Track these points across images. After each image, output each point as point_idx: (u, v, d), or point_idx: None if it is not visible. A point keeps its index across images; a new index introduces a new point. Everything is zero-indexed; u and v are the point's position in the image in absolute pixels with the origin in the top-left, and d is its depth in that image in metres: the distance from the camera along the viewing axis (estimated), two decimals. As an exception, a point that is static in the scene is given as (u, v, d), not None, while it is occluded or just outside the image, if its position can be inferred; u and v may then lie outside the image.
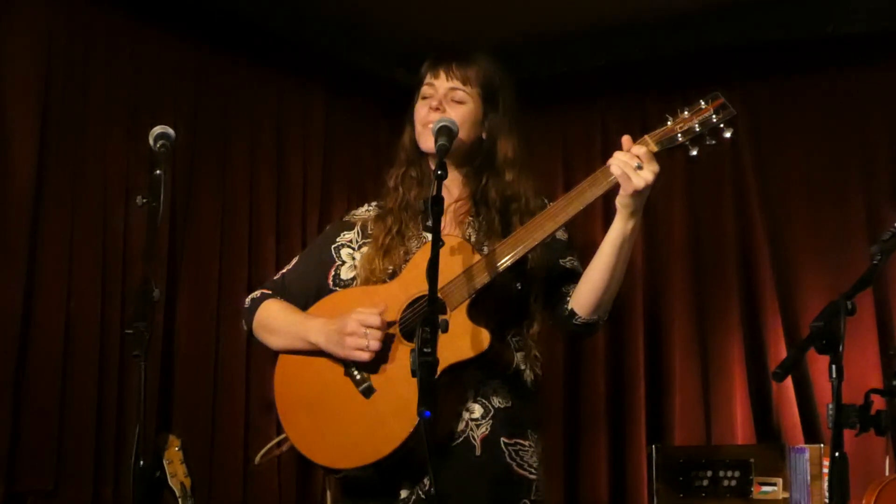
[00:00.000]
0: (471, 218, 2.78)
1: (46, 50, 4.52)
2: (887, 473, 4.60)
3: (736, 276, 5.63)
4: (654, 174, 2.49)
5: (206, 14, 5.13)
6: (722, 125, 2.52)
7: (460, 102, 2.75)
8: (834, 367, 2.21)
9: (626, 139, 2.54)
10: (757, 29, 5.46)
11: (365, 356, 2.60)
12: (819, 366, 5.19)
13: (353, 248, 2.84)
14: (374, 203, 2.91)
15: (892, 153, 5.40)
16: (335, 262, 2.84)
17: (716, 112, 2.52)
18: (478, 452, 2.63)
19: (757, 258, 5.61)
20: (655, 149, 2.53)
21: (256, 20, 5.34)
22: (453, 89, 2.75)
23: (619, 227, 2.57)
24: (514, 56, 5.58)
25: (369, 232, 2.84)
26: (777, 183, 5.63)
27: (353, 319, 2.60)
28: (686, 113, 2.54)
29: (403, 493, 2.63)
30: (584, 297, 2.66)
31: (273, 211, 5.47)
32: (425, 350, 2.22)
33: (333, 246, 2.86)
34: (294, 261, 2.94)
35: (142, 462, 2.43)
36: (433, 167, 2.74)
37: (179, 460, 4.08)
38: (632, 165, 2.48)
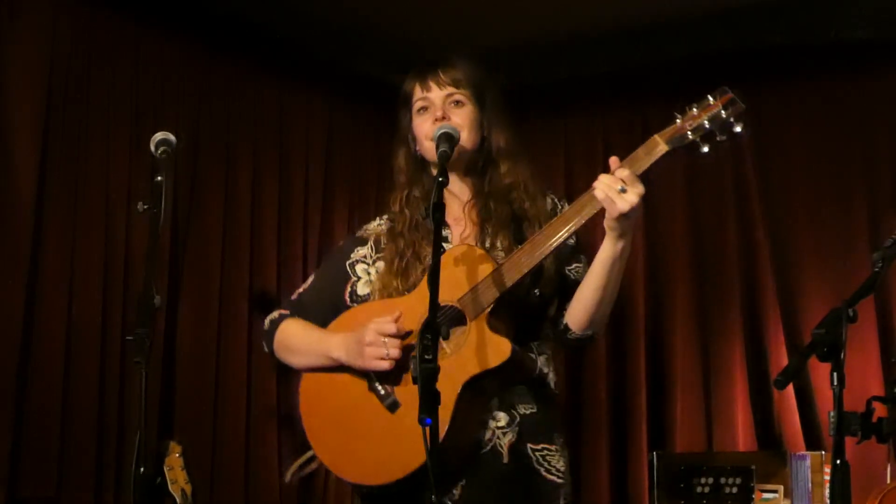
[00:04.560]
0: (482, 217, 2.76)
1: (49, 55, 4.53)
2: (889, 481, 4.59)
3: (738, 283, 5.62)
4: (638, 196, 2.45)
5: (208, 20, 5.13)
6: (732, 119, 2.47)
7: (460, 104, 2.75)
8: (835, 374, 2.20)
9: (613, 160, 2.51)
10: (759, 34, 5.46)
11: (385, 365, 2.59)
12: (820, 373, 5.20)
13: (368, 264, 2.83)
14: (385, 216, 2.89)
15: (894, 159, 5.40)
16: (351, 278, 2.82)
17: (725, 107, 2.46)
18: (505, 460, 2.61)
19: (759, 265, 5.60)
20: (666, 148, 2.49)
21: (259, 27, 5.35)
22: (449, 95, 2.75)
23: (609, 249, 2.55)
24: (516, 62, 5.59)
25: (382, 246, 2.83)
26: (779, 189, 5.62)
27: (371, 329, 2.59)
28: (695, 110, 2.49)
29: None
30: (576, 313, 2.67)
31: (275, 217, 5.47)
32: (426, 357, 2.21)
33: (348, 262, 2.85)
34: (310, 279, 2.92)
35: (143, 468, 2.43)
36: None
37: (180, 467, 4.08)
38: (615, 189, 2.44)
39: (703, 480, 4.94)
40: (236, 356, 5.10)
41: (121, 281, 4.66)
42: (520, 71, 5.64)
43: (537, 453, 2.65)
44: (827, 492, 4.67)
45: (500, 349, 2.52)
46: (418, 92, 2.77)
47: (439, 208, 2.37)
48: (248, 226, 5.32)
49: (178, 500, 3.97)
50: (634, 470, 5.66)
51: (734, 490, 4.88)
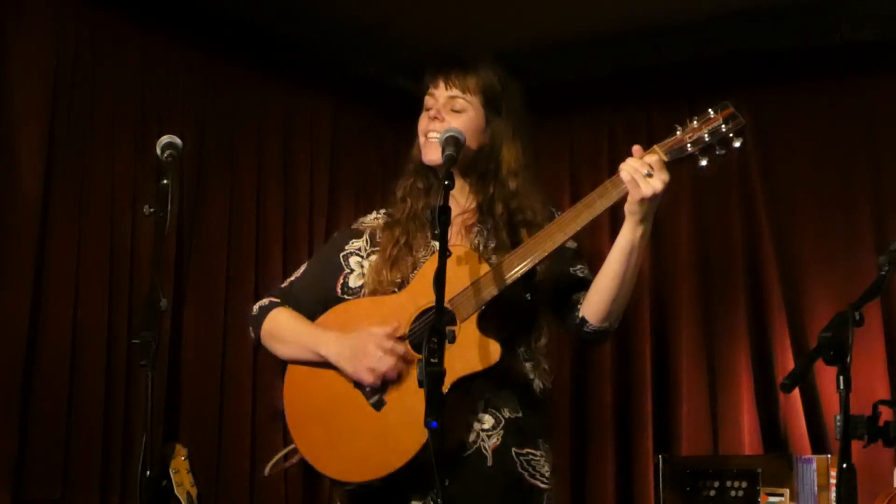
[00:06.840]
0: (477, 228, 2.77)
1: (54, 58, 4.53)
2: (895, 485, 4.59)
3: (743, 286, 5.61)
4: (663, 183, 2.48)
5: (213, 22, 5.14)
6: (731, 135, 2.51)
7: (459, 111, 2.74)
8: (842, 377, 2.20)
9: (636, 148, 2.53)
10: (765, 36, 5.45)
11: (372, 380, 2.60)
12: (827, 376, 5.18)
13: (362, 256, 2.84)
14: (382, 211, 2.91)
15: (899, 162, 5.40)
16: (343, 270, 2.83)
17: (725, 122, 2.51)
18: (489, 463, 2.62)
19: (764, 267, 5.59)
20: (665, 159, 2.52)
21: (264, 29, 5.35)
22: (452, 98, 2.74)
23: (628, 234, 2.56)
24: (520, 64, 5.56)
25: (378, 240, 2.83)
26: (784, 191, 5.61)
27: (372, 343, 2.60)
28: (695, 122, 2.53)
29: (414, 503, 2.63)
30: (594, 305, 2.66)
31: (280, 219, 5.46)
32: (432, 360, 2.21)
33: (342, 254, 2.86)
34: (302, 268, 2.92)
35: (148, 471, 2.43)
36: (439, 177, 2.75)
37: (186, 470, 4.09)
38: (642, 172, 2.48)
39: (708, 484, 4.93)
40: (242, 359, 5.09)
41: (126, 284, 4.66)
42: (525, 72, 5.60)
43: (522, 457, 2.65)
44: (833, 496, 4.66)
45: (489, 351, 2.53)
46: (430, 88, 2.79)
47: (445, 212, 2.38)
48: (253, 229, 5.31)
49: (183, 503, 3.98)
50: (640, 473, 5.65)
51: (740, 494, 4.87)
